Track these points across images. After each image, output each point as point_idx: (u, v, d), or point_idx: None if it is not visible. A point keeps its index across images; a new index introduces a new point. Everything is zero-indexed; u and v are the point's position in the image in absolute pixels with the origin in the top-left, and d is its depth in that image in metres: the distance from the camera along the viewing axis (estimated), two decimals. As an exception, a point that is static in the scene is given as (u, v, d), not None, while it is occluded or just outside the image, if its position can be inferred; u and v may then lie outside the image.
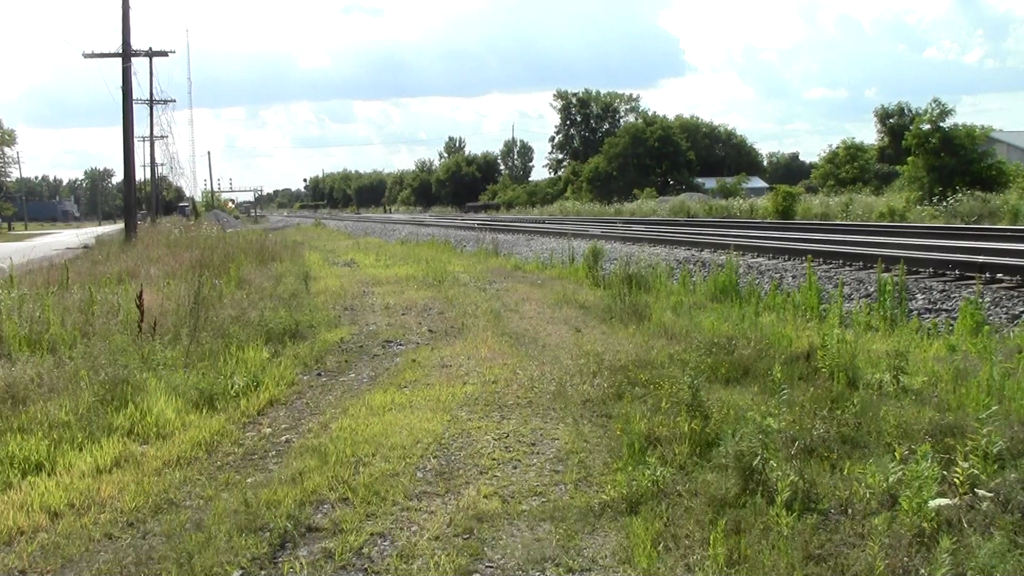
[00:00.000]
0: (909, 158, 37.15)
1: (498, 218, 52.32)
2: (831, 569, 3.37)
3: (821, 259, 12.75)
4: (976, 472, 3.98)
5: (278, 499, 4.34)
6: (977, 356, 6.66)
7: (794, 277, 11.81)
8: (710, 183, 66.63)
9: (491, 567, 3.61)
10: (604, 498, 4.26)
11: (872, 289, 10.12)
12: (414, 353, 8.30)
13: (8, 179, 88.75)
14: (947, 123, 36.96)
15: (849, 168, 55.33)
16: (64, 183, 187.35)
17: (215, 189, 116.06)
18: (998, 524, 3.55)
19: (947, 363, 6.32)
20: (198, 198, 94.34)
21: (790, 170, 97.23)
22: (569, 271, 15.43)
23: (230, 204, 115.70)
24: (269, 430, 5.82)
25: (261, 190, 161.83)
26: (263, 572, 3.64)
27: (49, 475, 4.84)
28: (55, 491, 4.57)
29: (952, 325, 8.32)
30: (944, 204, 29.22)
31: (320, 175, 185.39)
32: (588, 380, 6.65)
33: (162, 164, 70.73)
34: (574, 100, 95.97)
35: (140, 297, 8.63)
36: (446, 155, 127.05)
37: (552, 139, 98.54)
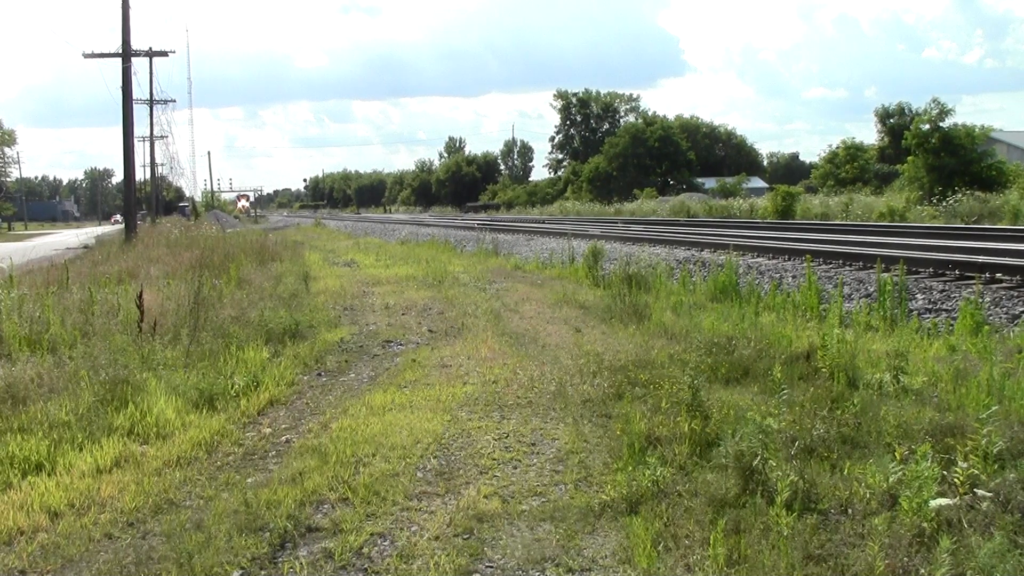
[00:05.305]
0: (909, 158, 37.20)
1: (498, 218, 52.31)
2: (831, 569, 3.37)
3: (821, 259, 12.75)
4: (976, 472, 3.98)
5: (278, 499, 4.34)
6: (977, 356, 6.66)
7: (794, 277, 11.81)
8: (710, 183, 66.65)
9: (491, 567, 3.61)
10: (604, 498, 4.26)
11: (872, 289, 10.12)
12: (414, 353, 8.30)
13: (8, 179, 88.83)
14: (947, 123, 37.03)
15: (849, 168, 55.35)
16: (64, 183, 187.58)
17: (215, 189, 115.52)
18: (998, 524, 3.55)
19: (947, 363, 6.32)
20: (198, 198, 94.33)
21: (790, 170, 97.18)
22: (569, 271, 15.42)
23: (239, 204, 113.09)
24: (269, 430, 5.82)
25: (261, 190, 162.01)
26: (263, 572, 3.64)
27: (49, 475, 4.84)
28: (55, 491, 4.57)
29: (952, 325, 8.32)
30: (944, 204, 29.22)
31: (320, 175, 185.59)
32: (588, 380, 6.65)
33: (162, 164, 70.80)
34: (574, 100, 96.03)
35: (140, 297, 8.63)
36: (446, 155, 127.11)
37: (552, 139, 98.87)
